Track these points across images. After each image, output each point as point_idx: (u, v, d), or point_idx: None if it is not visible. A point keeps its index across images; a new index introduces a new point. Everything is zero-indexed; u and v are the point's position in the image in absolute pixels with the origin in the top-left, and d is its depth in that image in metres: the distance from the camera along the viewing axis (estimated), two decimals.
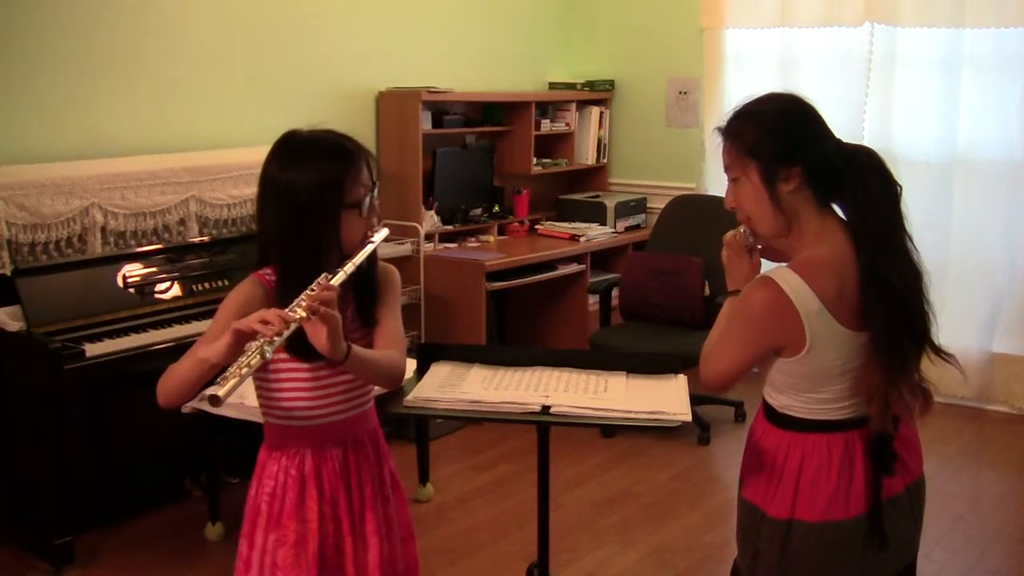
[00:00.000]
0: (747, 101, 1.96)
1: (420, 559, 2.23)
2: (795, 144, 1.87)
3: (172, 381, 1.84)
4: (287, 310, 1.74)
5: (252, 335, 1.71)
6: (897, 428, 1.87)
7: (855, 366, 1.85)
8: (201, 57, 4.31)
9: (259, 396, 2.01)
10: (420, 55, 5.33)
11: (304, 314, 1.74)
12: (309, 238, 1.89)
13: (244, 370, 1.65)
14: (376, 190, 1.98)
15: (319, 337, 1.76)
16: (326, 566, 1.99)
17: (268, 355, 1.68)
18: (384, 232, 2.00)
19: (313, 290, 1.77)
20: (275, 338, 1.69)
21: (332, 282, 1.80)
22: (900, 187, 1.89)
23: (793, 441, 1.90)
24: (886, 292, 1.81)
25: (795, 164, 1.86)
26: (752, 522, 1.96)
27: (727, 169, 1.95)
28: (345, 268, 1.86)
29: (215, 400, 1.61)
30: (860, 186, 1.86)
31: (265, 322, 1.70)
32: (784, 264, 1.88)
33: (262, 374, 1.96)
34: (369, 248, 1.94)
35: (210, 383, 1.81)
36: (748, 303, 1.87)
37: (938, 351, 1.93)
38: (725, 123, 1.95)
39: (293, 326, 1.72)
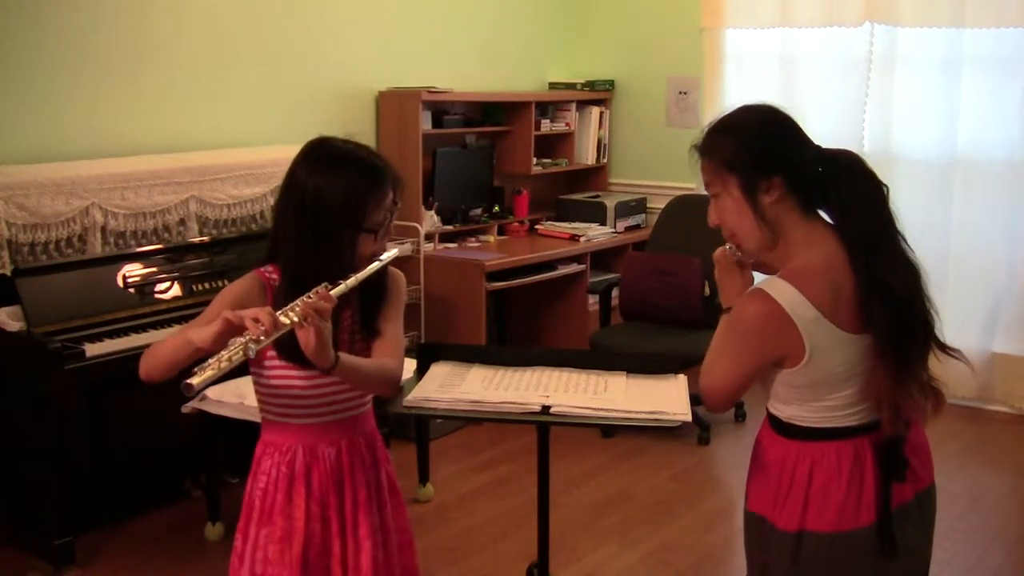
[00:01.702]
0: (720, 116, 1.93)
1: (421, 560, 2.23)
2: (773, 154, 1.84)
3: (154, 357, 1.86)
4: (280, 313, 1.75)
5: (241, 329, 1.71)
6: (908, 432, 1.84)
7: (861, 370, 1.81)
8: (201, 57, 4.31)
9: (256, 392, 2.03)
10: (420, 55, 5.33)
11: (296, 319, 1.75)
12: (322, 247, 1.90)
13: (224, 364, 1.66)
14: (396, 212, 2.00)
15: (308, 344, 1.77)
16: (309, 566, 1.99)
17: (251, 353, 1.69)
18: (394, 252, 2.01)
19: (310, 297, 1.78)
20: (262, 338, 1.70)
21: (331, 293, 1.81)
22: (886, 187, 1.86)
23: (802, 450, 1.87)
24: (884, 293, 1.78)
25: (775, 174, 1.82)
26: (760, 534, 1.93)
27: (707, 186, 1.91)
28: (348, 282, 1.87)
29: (188, 388, 1.63)
30: (844, 189, 1.83)
31: (256, 320, 1.71)
32: (774, 275, 1.85)
33: (258, 370, 1.98)
34: (376, 266, 1.95)
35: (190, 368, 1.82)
36: (742, 318, 1.84)
37: (944, 347, 1.90)
38: (700, 140, 1.92)
39: (283, 330, 1.73)
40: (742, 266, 1.98)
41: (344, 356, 1.86)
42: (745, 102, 1.95)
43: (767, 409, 1.96)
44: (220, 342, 1.74)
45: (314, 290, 1.80)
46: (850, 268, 1.80)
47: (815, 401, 1.84)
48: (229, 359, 1.67)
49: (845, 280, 1.80)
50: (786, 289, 1.78)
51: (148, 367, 1.88)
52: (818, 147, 1.90)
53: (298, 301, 1.78)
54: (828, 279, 1.79)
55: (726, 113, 1.92)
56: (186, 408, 3.53)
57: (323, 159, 1.94)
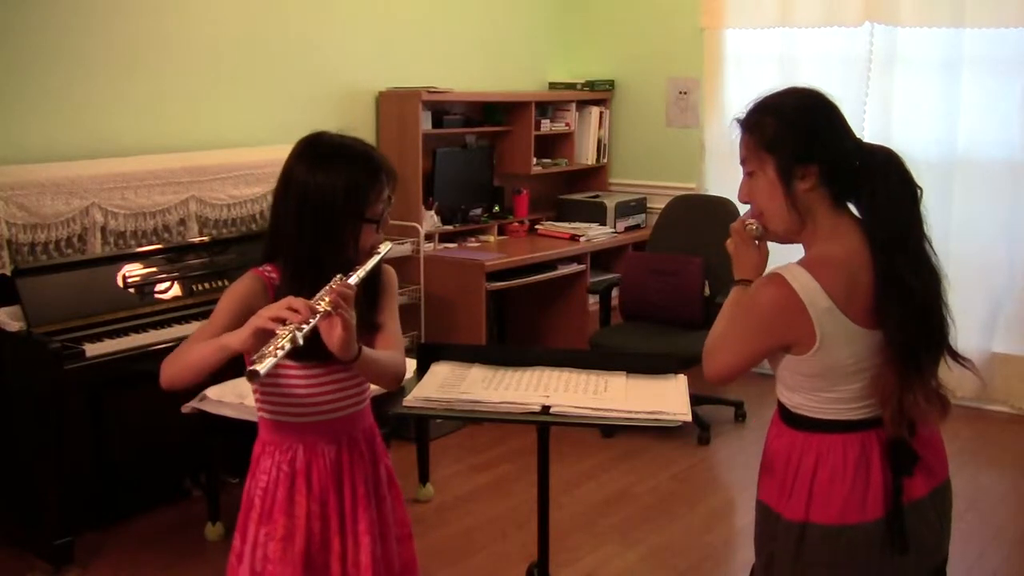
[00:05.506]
0: (768, 94, 1.92)
1: (420, 559, 2.23)
2: (814, 141, 1.84)
3: (184, 363, 1.85)
4: (312, 302, 1.76)
5: (280, 323, 1.72)
6: (914, 433, 1.83)
7: (869, 365, 1.81)
8: (201, 57, 4.31)
9: (255, 392, 2.03)
10: (420, 55, 5.33)
11: (328, 308, 1.75)
12: (326, 241, 1.91)
13: (279, 352, 1.67)
14: (391, 205, 2.01)
15: (333, 334, 1.77)
16: (311, 563, 2.00)
17: (300, 341, 1.70)
18: (389, 246, 2.02)
19: (331, 287, 1.78)
20: (304, 325, 1.71)
21: (349, 281, 1.82)
22: (920, 189, 1.85)
23: (807, 441, 1.87)
24: (904, 294, 1.78)
25: (813, 162, 1.83)
26: (768, 524, 1.94)
27: (743, 162, 1.92)
28: (358, 272, 1.88)
29: (254, 375, 1.64)
30: (878, 186, 1.82)
31: (293, 310, 1.72)
32: (792, 262, 1.85)
33: None
34: (376, 259, 1.96)
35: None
36: (757, 300, 1.84)
37: (956, 356, 1.89)
38: (744, 115, 1.91)
39: (318, 317, 1.74)
40: (759, 239, 1.98)
41: (365, 348, 1.86)
42: (793, 85, 1.93)
43: (777, 396, 1.96)
44: (255, 343, 1.75)
45: (332, 281, 1.80)
46: (870, 265, 1.80)
47: (821, 391, 1.85)
48: (282, 347, 1.68)
49: (863, 275, 1.80)
50: (803, 276, 1.78)
51: (172, 375, 1.87)
52: (858, 140, 1.90)
53: (323, 291, 1.78)
54: (846, 271, 1.79)
55: (774, 91, 1.92)
56: (186, 408, 3.53)
57: (320, 154, 1.95)
